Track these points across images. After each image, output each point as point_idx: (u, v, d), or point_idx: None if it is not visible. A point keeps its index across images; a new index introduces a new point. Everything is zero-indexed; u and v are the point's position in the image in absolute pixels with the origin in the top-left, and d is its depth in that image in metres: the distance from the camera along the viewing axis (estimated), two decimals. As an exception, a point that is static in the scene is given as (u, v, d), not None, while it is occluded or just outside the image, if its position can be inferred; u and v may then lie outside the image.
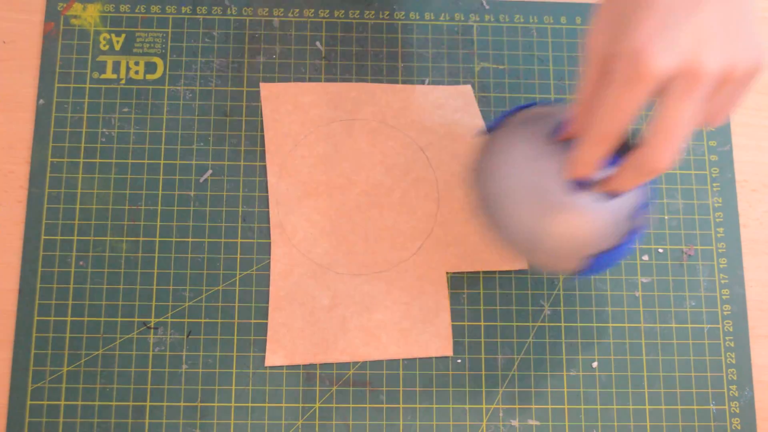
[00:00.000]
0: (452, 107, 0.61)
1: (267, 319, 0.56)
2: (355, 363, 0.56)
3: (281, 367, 0.56)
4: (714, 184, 0.61)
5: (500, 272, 0.58)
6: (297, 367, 0.56)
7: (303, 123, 0.60)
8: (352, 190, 0.59)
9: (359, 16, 0.63)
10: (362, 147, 0.59)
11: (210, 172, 0.59)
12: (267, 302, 0.57)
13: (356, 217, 0.58)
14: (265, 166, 0.59)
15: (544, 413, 0.56)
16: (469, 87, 0.61)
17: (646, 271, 0.59)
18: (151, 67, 0.61)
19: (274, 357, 0.55)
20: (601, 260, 0.46)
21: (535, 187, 0.46)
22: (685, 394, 0.57)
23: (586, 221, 0.45)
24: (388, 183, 0.59)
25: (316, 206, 0.58)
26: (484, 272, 0.58)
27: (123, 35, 0.61)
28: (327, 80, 0.61)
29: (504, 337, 0.57)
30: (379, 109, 0.60)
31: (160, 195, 0.58)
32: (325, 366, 0.56)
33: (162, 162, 0.59)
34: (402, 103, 0.61)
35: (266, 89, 0.60)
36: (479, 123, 0.61)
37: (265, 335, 0.56)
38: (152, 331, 0.56)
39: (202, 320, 0.56)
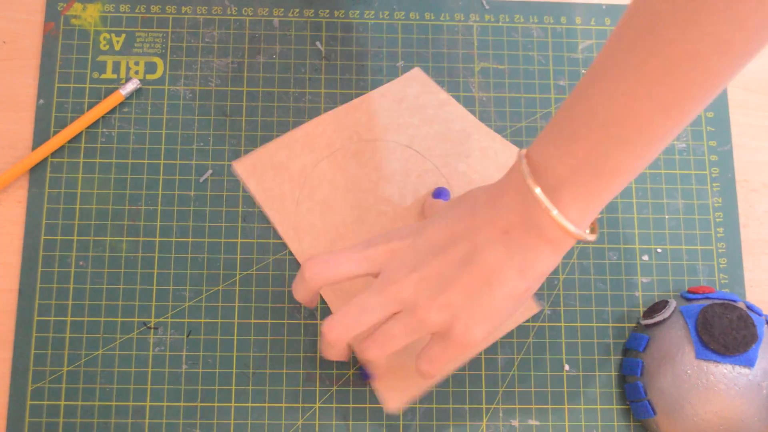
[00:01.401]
0: (412, 95, 0.61)
1: (268, 318, 0.56)
2: (356, 362, 0.56)
3: (281, 366, 0.56)
4: (714, 184, 0.61)
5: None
6: (297, 366, 0.56)
7: (291, 179, 0.59)
8: (370, 215, 0.58)
9: (359, 16, 0.63)
10: (356, 173, 0.59)
11: (210, 172, 0.59)
12: (267, 302, 0.57)
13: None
14: None
15: (544, 413, 0.56)
16: (417, 69, 0.61)
17: (646, 271, 0.59)
18: (151, 67, 0.61)
19: (392, 397, 0.55)
20: None
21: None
22: (685, 394, 0.57)
23: None
24: (397, 191, 0.59)
25: (344, 243, 0.58)
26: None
27: (123, 35, 0.61)
28: (327, 80, 0.61)
29: (504, 337, 0.57)
30: (352, 131, 0.60)
31: (160, 195, 0.58)
32: (324, 366, 0.56)
33: (162, 162, 0.59)
34: (368, 115, 0.60)
35: (241, 166, 0.59)
36: (443, 97, 0.61)
37: (266, 335, 0.56)
38: (152, 331, 0.56)
39: (202, 320, 0.56)
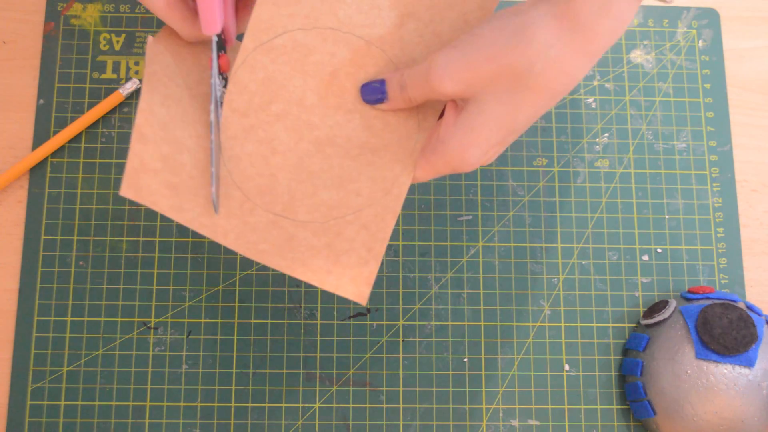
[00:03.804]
0: None
1: (268, 318, 0.56)
2: (356, 362, 0.56)
3: (281, 366, 0.56)
4: (714, 184, 0.61)
5: (500, 272, 0.58)
6: (297, 366, 0.56)
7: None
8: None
9: (359, 16, 0.63)
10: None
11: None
12: (267, 302, 0.57)
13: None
14: None
15: (544, 413, 0.56)
16: None
17: (646, 271, 0.59)
18: (151, 67, 0.61)
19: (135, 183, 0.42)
20: None
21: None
22: (685, 394, 0.57)
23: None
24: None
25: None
26: (484, 272, 0.58)
27: (123, 35, 0.61)
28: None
29: (504, 337, 0.57)
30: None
31: (160, 195, 0.58)
32: (325, 365, 0.56)
33: (162, 162, 0.59)
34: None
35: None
36: None
37: (266, 335, 0.56)
38: (152, 331, 0.56)
39: (202, 320, 0.56)
